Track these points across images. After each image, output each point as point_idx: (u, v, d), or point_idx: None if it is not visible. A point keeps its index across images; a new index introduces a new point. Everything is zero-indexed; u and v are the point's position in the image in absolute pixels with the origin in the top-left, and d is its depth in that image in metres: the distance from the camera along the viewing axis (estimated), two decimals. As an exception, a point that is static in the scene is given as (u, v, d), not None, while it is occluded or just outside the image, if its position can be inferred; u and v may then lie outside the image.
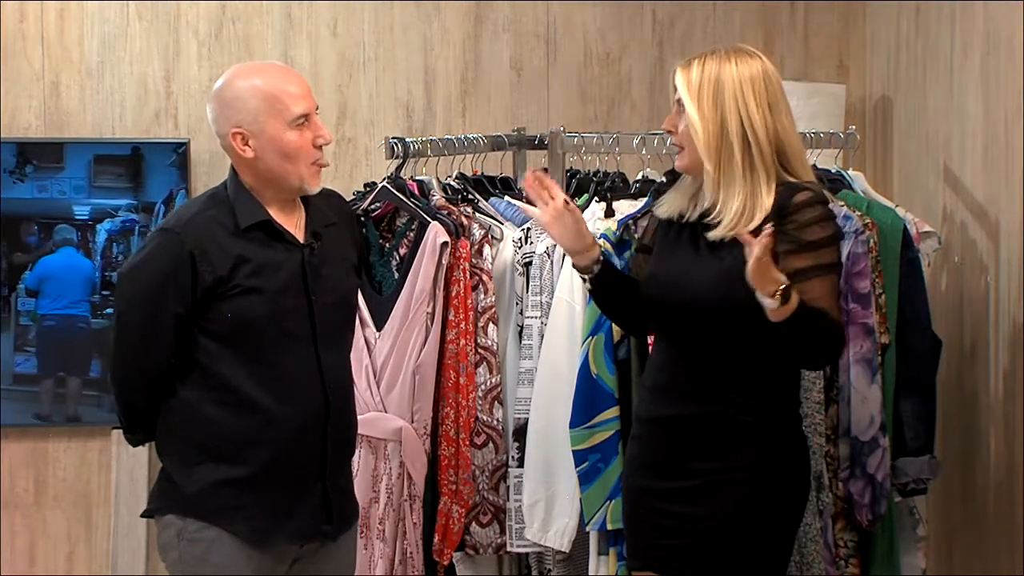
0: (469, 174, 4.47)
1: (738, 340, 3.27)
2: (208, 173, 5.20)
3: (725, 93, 3.27)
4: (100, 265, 5.21)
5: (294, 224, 3.41)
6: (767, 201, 3.25)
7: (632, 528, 3.46)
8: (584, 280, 3.50)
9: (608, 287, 3.49)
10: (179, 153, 5.20)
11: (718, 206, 3.29)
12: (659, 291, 3.39)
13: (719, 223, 3.27)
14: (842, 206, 3.89)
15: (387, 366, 4.05)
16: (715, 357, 3.30)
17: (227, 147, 3.36)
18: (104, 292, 5.20)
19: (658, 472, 3.36)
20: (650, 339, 3.80)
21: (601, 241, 3.96)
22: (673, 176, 3.42)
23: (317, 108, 3.39)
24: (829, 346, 3.26)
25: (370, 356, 4.07)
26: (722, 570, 3.31)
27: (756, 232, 3.17)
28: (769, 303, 3.12)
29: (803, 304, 3.14)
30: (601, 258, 3.47)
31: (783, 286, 3.11)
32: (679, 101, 3.32)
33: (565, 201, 3.42)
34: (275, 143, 3.33)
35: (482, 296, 4.08)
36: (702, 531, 3.30)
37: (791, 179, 3.28)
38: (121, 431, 3.52)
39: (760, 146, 3.26)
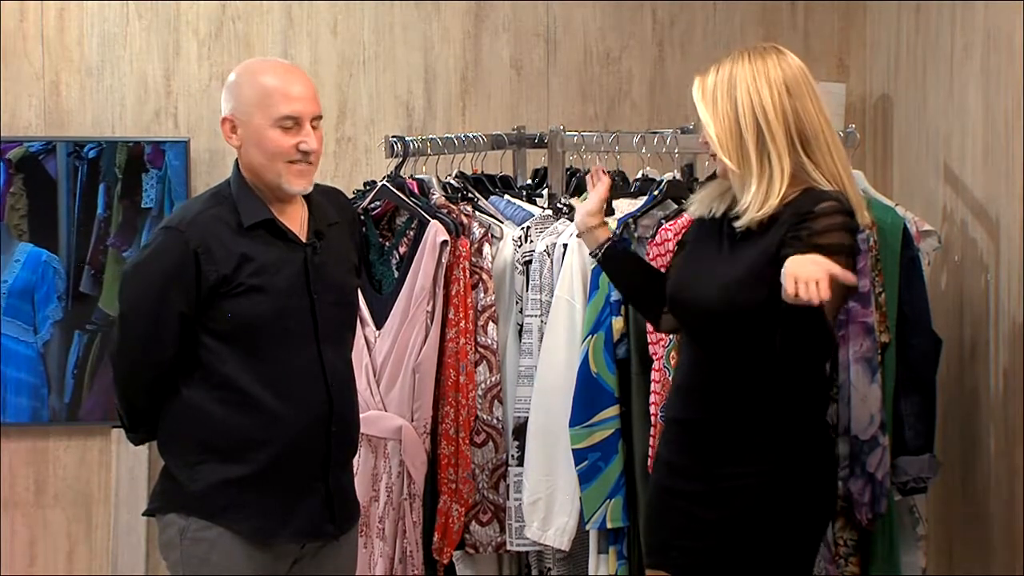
0: (469, 173, 4.47)
1: (748, 344, 3.23)
2: (208, 172, 5.20)
3: (739, 88, 3.24)
4: None
5: (297, 222, 3.40)
6: (781, 183, 3.21)
7: (651, 526, 3.45)
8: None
9: (614, 266, 3.61)
10: None
11: (741, 198, 3.25)
12: (673, 290, 3.39)
13: (744, 212, 3.24)
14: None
15: (387, 365, 4.05)
16: (732, 359, 3.27)
17: (223, 135, 3.38)
18: None
19: (681, 473, 3.35)
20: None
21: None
22: (712, 179, 3.42)
23: (320, 117, 3.37)
24: (821, 347, 3.16)
25: (370, 355, 4.07)
26: (738, 574, 3.28)
27: (771, 221, 3.19)
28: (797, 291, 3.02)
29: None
30: (606, 244, 3.59)
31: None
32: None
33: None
34: (256, 137, 3.32)
35: (482, 295, 4.08)
36: (719, 535, 3.27)
37: (816, 182, 3.24)
38: (122, 430, 3.52)
39: (771, 127, 3.21)
